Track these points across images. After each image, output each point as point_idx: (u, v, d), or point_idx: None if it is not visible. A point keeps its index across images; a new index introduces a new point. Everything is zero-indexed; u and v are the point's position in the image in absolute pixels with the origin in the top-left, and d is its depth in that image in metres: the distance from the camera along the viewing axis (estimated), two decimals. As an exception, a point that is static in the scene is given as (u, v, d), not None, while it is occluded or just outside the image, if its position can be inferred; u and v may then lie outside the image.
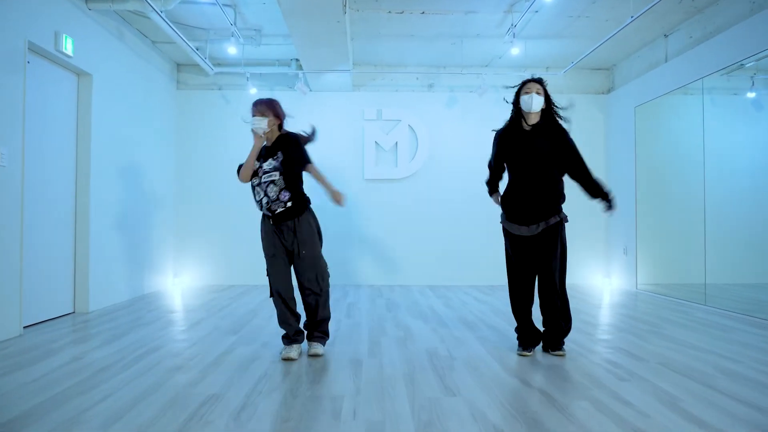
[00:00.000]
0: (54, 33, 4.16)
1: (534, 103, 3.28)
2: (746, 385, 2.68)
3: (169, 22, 4.78)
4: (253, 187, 3.31)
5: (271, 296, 3.33)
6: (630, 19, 4.67)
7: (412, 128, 6.99)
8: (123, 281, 5.42)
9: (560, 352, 3.32)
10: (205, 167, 6.93)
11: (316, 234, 3.35)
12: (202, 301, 5.50)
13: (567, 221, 3.37)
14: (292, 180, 3.27)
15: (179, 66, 6.88)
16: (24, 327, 3.92)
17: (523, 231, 3.33)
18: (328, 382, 2.76)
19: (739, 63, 4.73)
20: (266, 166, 3.27)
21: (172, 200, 6.77)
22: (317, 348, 3.33)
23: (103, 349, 3.39)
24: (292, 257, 3.32)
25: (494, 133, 3.56)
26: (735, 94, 5.37)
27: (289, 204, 3.24)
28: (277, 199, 3.24)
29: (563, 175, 3.39)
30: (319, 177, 3.40)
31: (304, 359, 3.22)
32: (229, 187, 6.90)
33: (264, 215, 3.34)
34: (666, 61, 5.85)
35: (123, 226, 5.40)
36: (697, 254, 5.29)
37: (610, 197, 3.35)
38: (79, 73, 4.69)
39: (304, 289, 3.32)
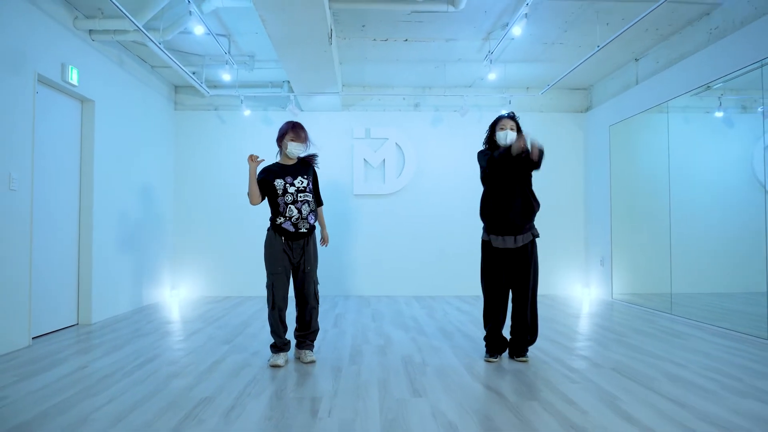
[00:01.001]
0: (61, 65, 4.49)
1: (508, 139, 3.64)
2: (684, 388, 2.99)
3: (166, 51, 5.11)
4: (286, 204, 3.53)
5: (273, 310, 3.59)
6: (597, 48, 5.02)
7: (399, 146, 7.33)
8: (123, 294, 5.72)
9: (524, 359, 3.65)
10: (202, 184, 7.25)
11: (317, 255, 3.73)
12: (198, 312, 5.80)
13: (538, 237, 3.70)
14: (315, 205, 3.68)
15: (177, 88, 7.22)
16: (33, 338, 4.22)
17: (508, 243, 3.63)
18: (309, 385, 3.07)
19: (703, 86, 5.05)
20: (298, 183, 3.58)
21: (170, 215, 7.08)
22: (310, 355, 3.64)
23: (105, 359, 3.69)
24: (292, 273, 3.65)
25: (479, 151, 3.87)
26: (707, 113, 5.71)
27: (310, 225, 3.60)
28: (306, 218, 3.57)
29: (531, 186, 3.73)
30: (322, 217, 3.87)
31: (290, 365, 3.52)
32: (225, 202, 7.23)
33: (276, 233, 3.56)
34: (637, 83, 6.21)
35: (123, 241, 5.72)
36: (666, 265, 5.61)
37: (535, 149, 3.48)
38: (83, 100, 5.02)
39: (304, 302, 3.65)
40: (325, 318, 5.38)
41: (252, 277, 7.17)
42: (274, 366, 3.50)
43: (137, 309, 5.98)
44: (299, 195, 3.56)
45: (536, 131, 7.38)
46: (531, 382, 3.13)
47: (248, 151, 7.20)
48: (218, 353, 3.88)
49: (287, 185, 3.56)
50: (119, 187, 5.61)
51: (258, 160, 3.54)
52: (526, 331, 3.66)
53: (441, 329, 4.82)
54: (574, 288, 7.43)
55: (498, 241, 3.67)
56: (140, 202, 6.15)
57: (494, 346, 3.70)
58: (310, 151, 3.77)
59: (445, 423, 2.45)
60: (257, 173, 3.61)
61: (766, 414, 2.57)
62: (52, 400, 2.81)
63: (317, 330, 3.75)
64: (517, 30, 4.62)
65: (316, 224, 3.73)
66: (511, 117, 3.76)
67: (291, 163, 3.67)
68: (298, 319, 3.71)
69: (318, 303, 3.71)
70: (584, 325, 5.04)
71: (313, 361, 3.62)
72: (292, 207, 3.55)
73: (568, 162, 7.52)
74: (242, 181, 7.16)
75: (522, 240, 3.62)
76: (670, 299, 5.50)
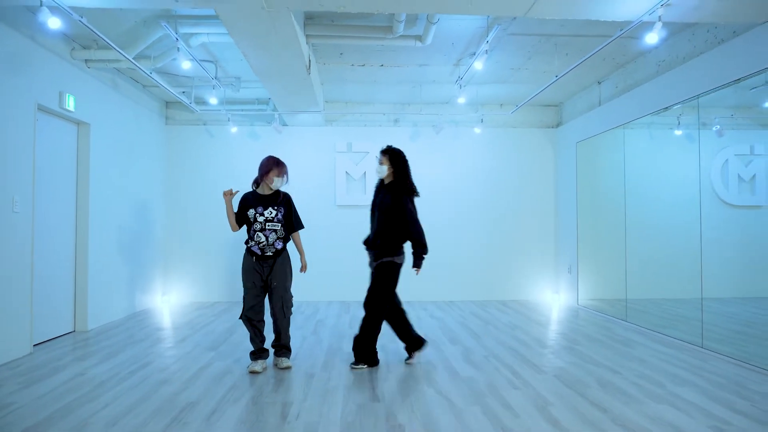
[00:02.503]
0: (59, 93, 4.87)
1: (379, 173, 4.30)
2: (610, 394, 3.42)
3: (157, 78, 5.49)
4: (255, 231, 4.01)
5: (240, 318, 4.06)
6: (555, 78, 5.44)
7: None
8: (118, 301, 6.11)
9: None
10: (192, 195, 7.64)
11: (288, 272, 4.12)
12: (187, 318, 6.20)
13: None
14: (287, 234, 4.12)
15: (168, 103, 7.59)
16: (34, 345, 4.61)
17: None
18: (283, 391, 3.48)
19: (656, 112, 5.47)
20: (267, 214, 4.03)
21: (162, 225, 7.47)
22: (285, 362, 4.07)
23: (101, 366, 4.09)
24: (266, 289, 4.07)
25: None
26: (670, 128, 6.14)
27: (277, 249, 4.04)
28: (272, 244, 4.02)
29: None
30: (299, 244, 4.28)
31: (269, 372, 3.93)
32: (213, 212, 7.61)
33: (250, 252, 4.04)
34: (600, 104, 6.64)
35: (117, 251, 6.10)
36: (622, 272, 6.05)
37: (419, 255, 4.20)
38: (79, 123, 5.40)
39: (274, 314, 4.06)
40: (305, 325, 5.79)
41: (238, 284, 7.56)
42: (252, 372, 3.92)
43: (130, 315, 6.37)
44: (267, 224, 4.01)
45: (509, 146, 7.85)
46: (479, 388, 3.55)
47: (236, 163, 7.60)
48: (204, 360, 4.28)
49: (257, 215, 4.02)
50: (113, 200, 5.99)
51: (233, 192, 4.03)
52: None
53: (411, 336, 5.23)
54: (544, 294, 7.87)
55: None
56: (133, 212, 6.53)
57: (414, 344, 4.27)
58: (286, 186, 4.26)
59: (395, 426, 2.87)
60: (238, 202, 4.08)
61: (675, 419, 3.00)
62: (54, 405, 3.20)
63: (287, 343, 4.14)
64: (479, 64, 5.02)
65: (287, 246, 4.14)
66: (383, 152, 4.29)
67: (267, 193, 4.11)
68: (274, 331, 4.13)
69: (286, 316, 4.09)
70: (544, 332, 5.47)
71: (288, 368, 4.05)
72: (260, 234, 4.01)
73: (540, 175, 7.96)
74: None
75: None
76: (626, 306, 5.94)
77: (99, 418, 2.98)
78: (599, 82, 6.65)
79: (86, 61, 5.27)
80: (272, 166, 4.07)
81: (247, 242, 4.06)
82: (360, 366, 4.08)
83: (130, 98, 6.39)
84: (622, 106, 6.03)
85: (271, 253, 4.02)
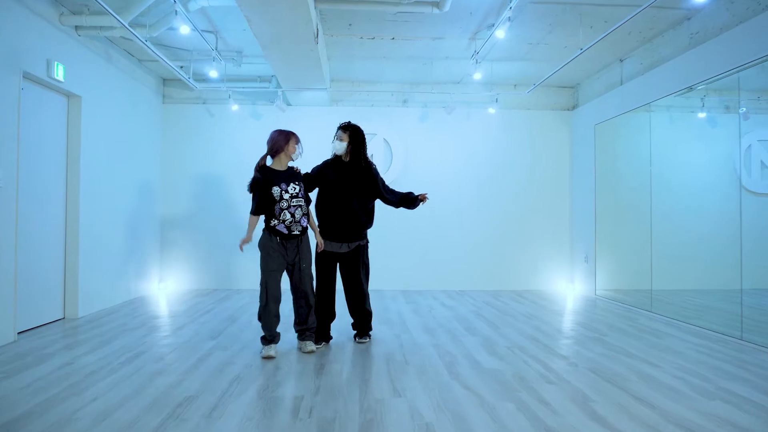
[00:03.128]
0: (46, 61, 4.49)
1: (337, 149, 4.12)
2: (654, 388, 3.09)
3: (153, 48, 5.12)
4: (281, 210, 3.76)
5: (266, 306, 3.77)
6: (579, 51, 5.08)
7: (387, 141, 7.38)
8: (111, 287, 5.76)
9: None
10: (190, 177, 7.27)
11: (311, 252, 3.99)
12: (185, 306, 5.85)
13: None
14: (307, 209, 3.91)
15: (165, 81, 7.21)
16: (18, 333, 4.25)
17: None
18: (292, 384, 3.14)
19: (685, 89, 5.13)
20: (291, 190, 3.80)
21: (158, 208, 7.10)
22: (311, 345, 3.88)
23: (91, 355, 3.74)
24: (288, 271, 3.90)
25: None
26: (691, 112, 5.80)
27: (302, 227, 3.85)
28: (299, 221, 3.82)
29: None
30: (313, 222, 4.08)
31: (273, 362, 3.58)
32: (213, 195, 7.25)
33: (271, 235, 3.80)
34: (621, 83, 6.28)
35: (111, 234, 5.74)
36: (647, 262, 5.72)
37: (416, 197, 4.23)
38: (69, 96, 5.03)
39: (300, 297, 3.88)
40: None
41: (239, 271, 7.23)
42: (267, 357, 3.70)
43: (125, 302, 6.02)
44: (293, 200, 3.79)
45: (523, 129, 7.49)
46: (508, 382, 3.21)
47: (236, 143, 7.23)
48: (203, 349, 3.94)
49: (283, 192, 3.77)
50: (107, 180, 5.62)
51: (247, 243, 3.94)
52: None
53: (424, 326, 4.90)
54: (559, 284, 7.54)
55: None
56: (128, 194, 6.16)
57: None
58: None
59: (422, 424, 2.53)
60: (253, 188, 3.86)
61: (731, 416, 2.67)
62: (37, 397, 2.86)
63: (314, 326, 3.97)
64: (500, 33, 4.66)
65: (308, 226, 3.96)
66: (345, 128, 4.14)
67: (282, 169, 3.89)
68: (297, 313, 3.93)
69: (315, 297, 3.98)
70: (566, 322, 5.14)
71: (313, 351, 3.86)
72: (286, 212, 3.77)
73: (554, 159, 7.61)
74: (231, 173, 7.19)
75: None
76: (650, 296, 5.61)
77: (86, 413, 2.64)
78: (621, 60, 6.29)
79: (76, 27, 4.89)
80: (290, 135, 3.90)
81: (269, 222, 3.81)
82: (364, 339, 4.27)
83: (124, 72, 6.00)
84: (647, 84, 5.68)
85: (297, 232, 3.83)
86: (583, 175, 7.23)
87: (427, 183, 7.39)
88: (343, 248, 4.16)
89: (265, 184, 3.77)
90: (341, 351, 3.95)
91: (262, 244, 3.84)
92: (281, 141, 3.84)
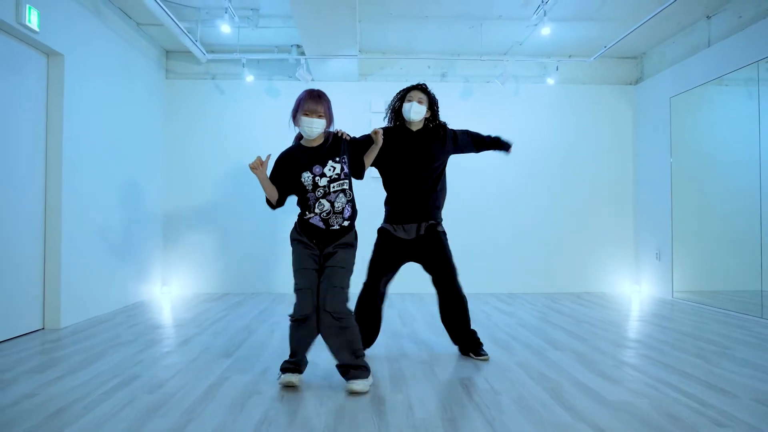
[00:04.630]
0: (15, 2, 3.54)
1: (412, 113, 3.21)
2: None
3: (153, -4, 4.17)
4: (316, 199, 2.69)
5: (295, 319, 2.68)
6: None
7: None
8: (102, 292, 4.79)
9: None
10: (198, 164, 6.31)
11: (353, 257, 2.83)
12: (192, 313, 4.88)
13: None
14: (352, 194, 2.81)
15: (168, 53, 6.26)
16: (-23, 350, 3.30)
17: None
18: (346, 426, 2.15)
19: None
20: (329, 171, 2.70)
21: (160, 200, 6.14)
22: (362, 383, 2.62)
23: (65, 381, 2.77)
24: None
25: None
26: None
27: (345, 224, 2.76)
28: (341, 212, 2.73)
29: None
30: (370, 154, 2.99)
31: (313, 391, 2.59)
32: (223, 186, 6.29)
33: (308, 227, 2.73)
34: (709, 45, 5.27)
35: (102, 229, 4.78)
36: (747, 259, 4.71)
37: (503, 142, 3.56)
38: (49, 53, 4.07)
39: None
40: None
41: (255, 272, 6.26)
42: (288, 385, 2.68)
43: (120, 309, 5.06)
44: (332, 185, 2.70)
45: (579, 107, 6.48)
46: (660, 424, 2.20)
47: (250, 125, 6.28)
48: (216, 372, 2.96)
49: (316, 177, 2.68)
50: (97, 166, 4.66)
51: (264, 161, 2.68)
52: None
53: (492, 337, 3.90)
54: (621, 285, 6.51)
55: None
56: (123, 183, 5.20)
57: None
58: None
59: None
60: (274, 165, 2.78)
61: None
62: (-31, 455, 1.88)
63: (362, 354, 2.73)
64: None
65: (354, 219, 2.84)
66: (422, 89, 3.30)
67: (317, 143, 2.77)
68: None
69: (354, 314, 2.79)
70: (663, 331, 4.12)
71: (365, 392, 2.61)
72: (324, 201, 2.70)
73: (615, 142, 6.59)
74: (243, 160, 6.23)
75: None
76: (761, 299, 4.58)
77: (35, 488, 1.66)
78: (709, 17, 5.27)
79: (56, -35, 3.94)
80: (301, 99, 2.72)
81: (302, 215, 2.75)
82: (484, 354, 3.28)
83: (119, 35, 5.05)
84: (749, 42, 4.66)
85: (337, 226, 2.72)
86: (652, 159, 6.20)
87: (468, 171, 6.40)
88: (411, 233, 3.23)
89: (287, 166, 2.75)
90: (397, 375, 2.96)
91: (293, 237, 2.80)
92: (293, 109, 2.76)
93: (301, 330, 2.68)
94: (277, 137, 6.31)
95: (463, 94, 6.46)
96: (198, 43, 5.33)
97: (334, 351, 2.67)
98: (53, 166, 4.11)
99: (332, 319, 2.61)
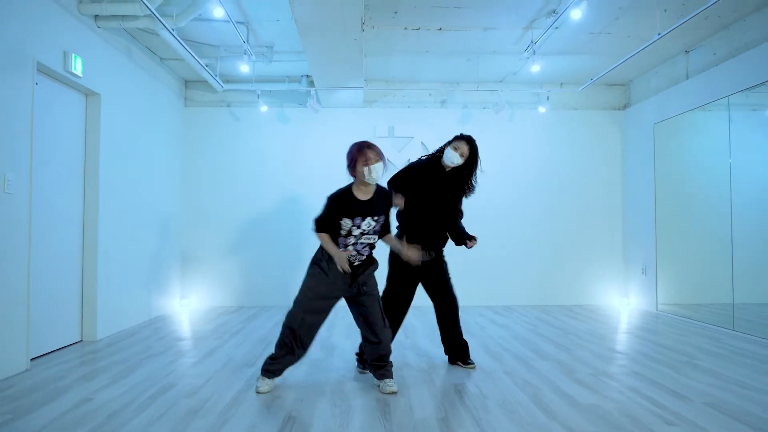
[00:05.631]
0: (63, 53, 4.01)
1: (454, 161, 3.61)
2: (807, 432, 2.50)
3: (180, 39, 4.64)
4: (345, 245, 3.12)
5: (297, 327, 3.12)
6: (657, 36, 4.52)
7: (424, 145, 6.84)
8: (131, 306, 5.24)
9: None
10: (213, 185, 6.78)
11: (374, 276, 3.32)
12: (211, 326, 5.32)
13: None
14: (377, 238, 3.24)
15: (187, 82, 6.74)
16: (31, 359, 3.73)
17: None
18: (357, 425, 2.58)
19: (768, 81, 4.59)
20: (365, 226, 3.09)
21: (179, 219, 6.61)
22: (392, 384, 3.16)
23: (113, 388, 3.20)
24: (348, 302, 3.28)
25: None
26: (754, 110, 5.24)
27: (366, 257, 3.22)
28: (362, 254, 3.19)
29: None
30: (392, 240, 3.38)
31: (328, 397, 3.02)
32: (237, 205, 6.75)
33: (327, 258, 3.13)
34: (687, 77, 5.71)
35: (130, 248, 5.24)
36: (722, 273, 5.12)
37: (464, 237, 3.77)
38: (87, 93, 4.55)
39: (374, 323, 3.19)
40: (352, 333, 4.87)
41: (267, 286, 6.69)
42: (261, 392, 3.12)
43: (146, 322, 5.50)
44: (363, 237, 3.12)
45: (570, 131, 6.94)
46: (620, 423, 2.63)
47: (263, 150, 6.79)
48: (241, 380, 3.39)
49: (353, 227, 3.07)
50: (125, 190, 5.12)
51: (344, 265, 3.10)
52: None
53: (484, 347, 4.33)
54: (610, 298, 6.93)
55: None
56: (147, 204, 5.66)
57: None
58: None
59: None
60: (331, 205, 3.11)
61: None
62: (51, 447, 2.32)
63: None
64: (576, 13, 4.13)
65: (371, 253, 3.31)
66: (467, 139, 3.66)
67: (367, 197, 3.08)
68: (372, 344, 3.24)
69: (387, 325, 3.27)
70: (642, 342, 4.54)
71: (395, 392, 3.12)
72: (351, 247, 3.13)
73: (604, 163, 7.03)
74: (257, 182, 6.70)
75: None
76: (732, 312, 5.00)
77: (111, 472, 2.10)
78: (687, 51, 5.72)
79: (96, 17, 4.41)
80: (355, 152, 3.04)
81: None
82: (471, 363, 3.73)
83: (145, 71, 5.53)
84: (722, 76, 5.11)
85: (358, 263, 3.19)
86: (638, 180, 6.64)
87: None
88: (426, 256, 3.61)
89: (340, 209, 3.06)
90: (399, 382, 3.38)
91: (316, 261, 3.18)
92: (349, 162, 3.06)
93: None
94: (286, 160, 6.79)
95: (462, 119, 6.91)
96: (216, 77, 5.79)
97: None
98: (91, 189, 4.56)
99: None
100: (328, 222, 3.08)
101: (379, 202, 3.12)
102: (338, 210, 3.05)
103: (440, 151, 3.70)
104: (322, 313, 3.19)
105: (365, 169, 2.97)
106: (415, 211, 3.64)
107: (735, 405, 2.88)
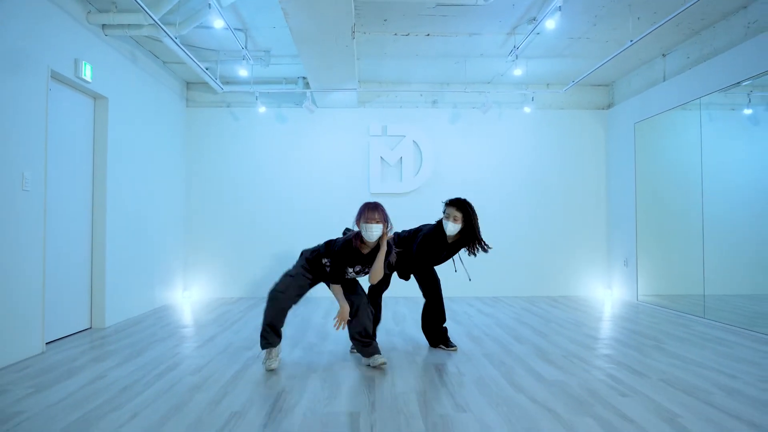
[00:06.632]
0: (74, 60, 4.31)
1: (448, 230, 3.85)
2: (744, 402, 2.80)
3: (182, 46, 4.93)
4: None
5: (280, 292, 3.56)
6: (629, 43, 4.82)
7: (416, 143, 7.15)
8: (136, 296, 5.55)
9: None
10: (214, 182, 7.08)
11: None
12: (213, 315, 5.63)
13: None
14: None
15: (188, 84, 7.04)
16: (46, 343, 4.05)
17: None
18: (344, 399, 2.89)
19: (737, 83, 4.87)
20: (351, 273, 3.55)
21: (182, 214, 6.91)
22: (383, 357, 3.58)
23: (123, 368, 3.52)
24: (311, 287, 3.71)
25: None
26: (732, 110, 5.52)
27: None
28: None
29: None
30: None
31: (317, 375, 3.33)
32: (237, 201, 7.05)
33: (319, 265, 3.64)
34: (664, 79, 6.01)
35: (136, 241, 5.54)
36: (696, 266, 5.42)
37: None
38: (96, 97, 4.85)
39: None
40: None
41: (265, 279, 7.00)
42: (270, 369, 3.49)
43: (150, 312, 5.81)
44: (358, 275, 3.62)
45: (556, 129, 7.23)
46: (578, 394, 2.94)
47: (261, 149, 7.06)
48: (240, 361, 3.70)
49: (350, 273, 3.56)
50: (132, 185, 5.43)
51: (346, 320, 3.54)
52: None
53: (468, 334, 4.64)
54: (596, 289, 7.24)
55: None
56: (152, 199, 5.97)
57: None
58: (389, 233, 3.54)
59: (500, 444, 2.28)
60: (340, 258, 3.49)
61: (842, 433, 2.39)
62: (72, 414, 2.63)
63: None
64: (550, 23, 4.42)
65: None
66: (457, 205, 3.84)
67: (367, 250, 3.49)
68: (360, 322, 3.66)
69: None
70: (617, 329, 4.85)
71: (384, 363, 3.55)
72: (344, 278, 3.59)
73: (589, 160, 7.33)
74: (256, 179, 6.99)
75: None
76: (703, 302, 5.31)
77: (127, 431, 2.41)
78: (664, 55, 6.02)
79: (103, 26, 4.71)
80: (360, 212, 3.41)
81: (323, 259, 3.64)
82: (453, 345, 4.08)
83: (150, 74, 5.83)
84: (696, 79, 5.40)
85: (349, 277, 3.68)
86: (621, 176, 6.94)
87: (456, 185, 7.14)
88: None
89: (346, 261, 3.48)
90: (389, 362, 3.69)
91: (307, 264, 3.66)
92: (359, 210, 3.43)
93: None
94: (284, 158, 7.10)
95: (452, 119, 7.21)
96: (217, 79, 6.09)
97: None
98: (99, 186, 4.88)
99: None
100: (341, 272, 3.49)
101: (376, 253, 3.51)
102: (346, 264, 3.48)
103: (440, 221, 3.92)
104: (302, 285, 3.64)
105: (364, 226, 3.36)
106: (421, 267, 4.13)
107: (686, 381, 3.19)
